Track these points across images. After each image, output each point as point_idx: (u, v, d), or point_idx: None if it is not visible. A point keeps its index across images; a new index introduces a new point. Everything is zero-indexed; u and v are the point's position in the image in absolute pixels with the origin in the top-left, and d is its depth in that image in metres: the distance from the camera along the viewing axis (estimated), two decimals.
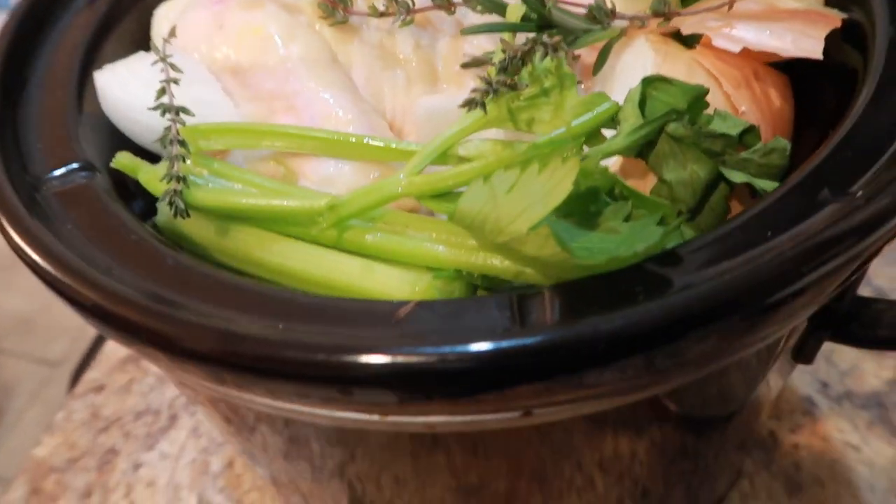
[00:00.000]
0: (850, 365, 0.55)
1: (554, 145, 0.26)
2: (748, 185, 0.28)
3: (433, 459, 0.32)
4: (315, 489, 0.39)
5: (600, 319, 0.19)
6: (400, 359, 0.20)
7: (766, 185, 0.26)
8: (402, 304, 0.22)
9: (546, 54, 0.27)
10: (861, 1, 0.31)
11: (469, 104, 0.26)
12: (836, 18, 0.29)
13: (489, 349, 0.19)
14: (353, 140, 0.29)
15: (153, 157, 0.31)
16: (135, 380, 0.61)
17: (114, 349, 0.63)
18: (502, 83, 0.25)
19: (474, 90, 0.26)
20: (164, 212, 0.30)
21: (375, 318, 0.22)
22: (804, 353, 0.31)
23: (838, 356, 0.55)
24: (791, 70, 0.34)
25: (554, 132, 0.26)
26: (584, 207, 0.25)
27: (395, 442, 0.30)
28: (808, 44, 0.28)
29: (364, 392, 0.20)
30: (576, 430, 0.30)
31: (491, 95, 0.26)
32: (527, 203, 0.23)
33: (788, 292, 0.19)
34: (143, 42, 0.37)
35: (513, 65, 0.27)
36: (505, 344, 0.19)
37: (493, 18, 0.33)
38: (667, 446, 0.34)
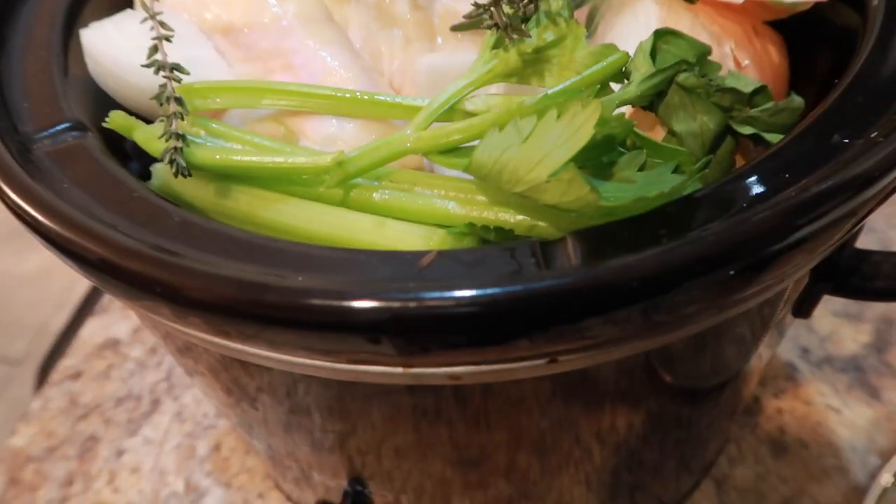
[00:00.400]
0: (828, 331, 0.56)
1: (566, 95, 0.26)
2: (752, 141, 0.28)
3: (434, 430, 0.31)
4: (315, 461, 0.38)
5: (630, 258, 0.19)
6: (428, 304, 0.19)
7: (775, 138, 0.26)
8: (423, 253, 0.22)
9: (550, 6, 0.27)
10: None
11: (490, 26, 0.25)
12: None
13: (520, 290, 0.19)
14: (358, 97, 0.29)
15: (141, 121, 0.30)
16: (113, 366, 0.59)
17: (90, 335, 0.61)
18: (513, 26, 0.25)
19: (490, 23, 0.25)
20: (158, 175, 0.29)
21: (398, 267, 0.21)
22: (804, 307, 0.32)
23: (817, 323, 0.57)
24: (782, 31, 0.34)
25: (565, 83, 0.26)
26: (597, 157, 0.25)
27: (398, 411, 0.30)
28: None
29: (391, 340, 0.20)
30: (576, 399, 0.30)
31: (501, 32, 0.25)
32: (546, 149, 0.22)
33: (817, 227, 0.19)
34: (125, 3, 0.36)
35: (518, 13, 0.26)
36: (536, 285, 0.19)
37: None
38: (663, 416, 0.35)
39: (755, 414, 0.52)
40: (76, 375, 0.59)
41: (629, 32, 0.29)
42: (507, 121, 0.25)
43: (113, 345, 0.61)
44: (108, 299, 0.64)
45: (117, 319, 0.63)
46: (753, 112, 0.27)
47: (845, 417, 0.52)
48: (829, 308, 0.57)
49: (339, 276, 0.21)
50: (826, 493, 0.47)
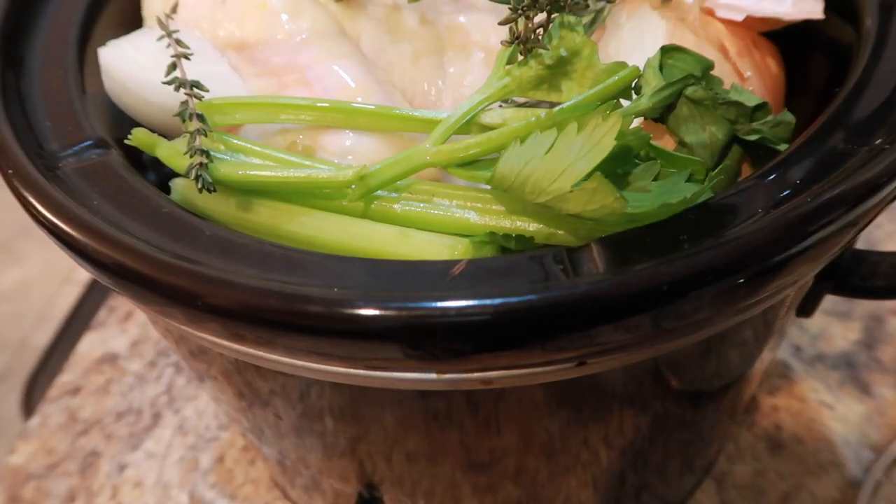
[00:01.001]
0: (819, 329, 0.58)
1: (581, 109, 0.26)
2: (752, 154, 0.29)
3: (446, 434, 0.32)
4: (326, 466, 0.38)
5: (659, 262, 0.20)
6: (465, 311, 0.20)
7: (781, 146, 0.27)
8: (453, 262, 0.22)
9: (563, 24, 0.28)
10: None
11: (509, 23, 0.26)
12: None
13: (555, 296, 0.20)
14: (375, 110, 0.29)
15: None
16: (112, 380, 0.59)
17: (88, 350, 0.61)
18: (532, 39, 0.26)
19: (506, 39, 0.26)
20: (178, 189, 0.30)
21: (430, 276, 0.22)
22: (806, 307, 0.33)
23: (809, 321, 0.58)
24: (778, 43, 0.36)
25: (579, 96, 0.27)
26: (614, 168, 0.26)
27: (411, 415, 0.31)
28: (808, 4, 0.29)
29: (430, 348, 0.20)
30: (586, 401, 0.31)
31: (517, 46, 0.26)
32: (569, 161, 0.23)
33: (828, 232, 0.20)
34: (135, 19, 0.36)
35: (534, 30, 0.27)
36: (569, 291, 0.20)
37: None
38: (670, 418, 0.36)
39: (752, 412, 0.53)
40: (75, 391, 0.59)
41: (637, 47, 0.30)
42: (527, 134, 0.25)
43: (111, 359, 0.61)
44: (104, 313, 0.64)
45: (115, 334, 0.63)
46: (756, 125, 0.28)
47: (838, 413, 0.53)
48: (819, 307, 0.59)
49: (374, 286, 0.22)
50: (823, 488, 0.48)
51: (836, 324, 0.58)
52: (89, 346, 0.62)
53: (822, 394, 0.54)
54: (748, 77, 0.29)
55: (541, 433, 0.33)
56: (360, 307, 0.20)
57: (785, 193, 0.23)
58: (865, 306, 0.58)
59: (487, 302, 0.19)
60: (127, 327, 0.62)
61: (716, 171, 0.24)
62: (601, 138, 0.23)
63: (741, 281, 0.20)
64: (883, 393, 0.54)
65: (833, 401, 0.54)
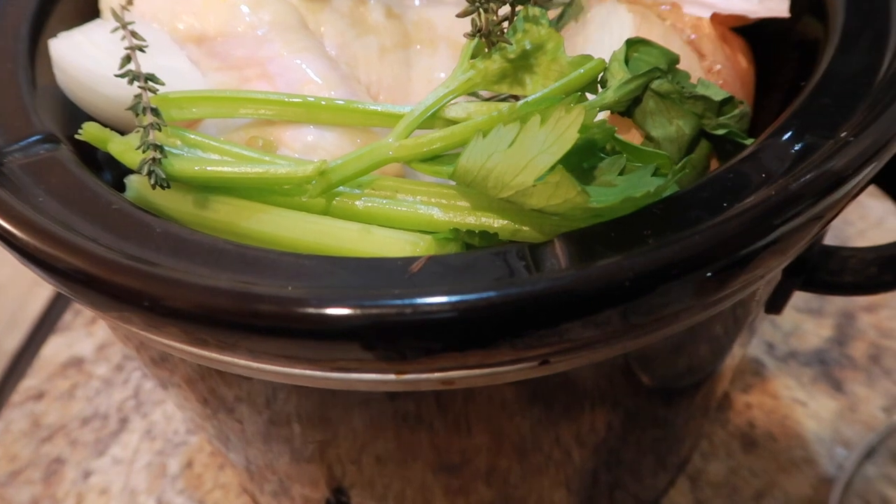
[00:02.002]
0: (792, 326, 0.58)
1: (547, 102, 0.26)
2: (719, 148, 0.29)
3: (416, 435, 0.31)
4: (294, 472, 0.37)
5: (621, 258, 0.20)
6: (423, 310, 0.19)
7: (748, 140, 0.27)
8: (413, 259, 0.22)
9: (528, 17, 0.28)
10: None
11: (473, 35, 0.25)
12: None
13: (515, 293, 0.19)
14: (338, 104, 0.29)
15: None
16: (78, 384, 0.58)
17: (53, 354, 0.60)
18: (495, 33, 0.25)
19: (469, 32, 0.25)
20: (133, 186, 0.29)
21: (388, 273, 0.21)
22: (776, 303, 0.33)
23: (781, 318, 0.58)
24: (747, 38, 0.35)
25: (545, 90, 0.26)
26: (579, 162, 0.25)
27: (379, 418, 0.30)
28: (774, 3, 0.29)
29: (385, 347, 0.20)
30: (555, 399, 0.30)
31: (481, 39, 0.26)
32: (531, 155, 0.23)
33: (797, 223, 0.20)
34: (92, 12, 0.35)
35: (497, 24, 0.27)
36: (530, 288, 0.19)
37: None
38: (641, 415, 0.35)
39: (725, 409, 0.53)
40: (38, 396, 0.57)
41: (604, 40, 0.30)
42: (490, 128, 0.25)
43: (77, 363, 0.59)
44: (70, 316, 0.63)
45: (81, 337, 0.61)
46: (723, 119, 0.28)
47: (811, 410, 0.53)
48: (791, 304, 0.59)
49: (330, 284, 0.21)
50: (796, 485, 0.48)
51: (809, 321, 0.58)
52: (54, 349, 0.60)
53: (795, 391, 0.54)
54: (718, 70, 0.29)
55: (511, 432, 0.32)
56: (313, 305, 0.19)
57: (751, 186, 0.22)
58: (837, 303, 0.58)
59: (445, 300, 0.19)
60: (93, 330, 0.61)
61: (680, 165, 0.23)
62: (564, 131, 0.22)
63: (708, 275, 0.20)
64: (855, 389, 0.54)
65: (806, 398, 0.54)
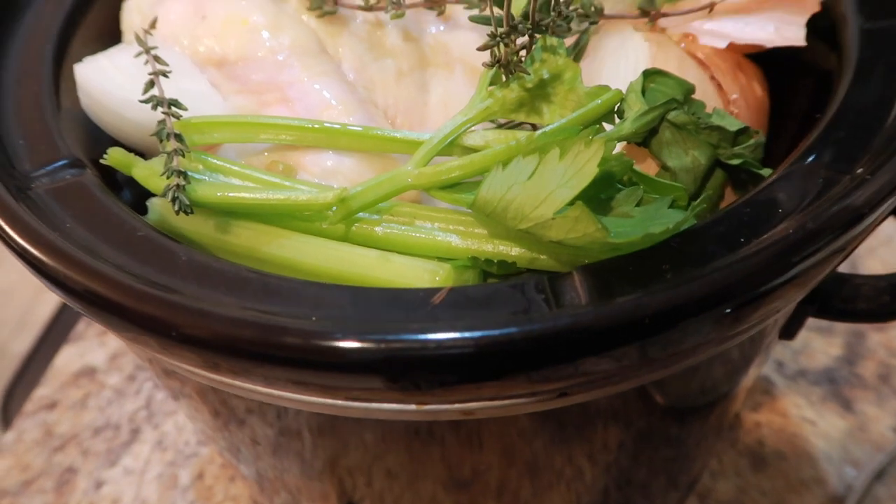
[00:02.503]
0: (801, 344, 0.58)
1: (564, 132, 0.26)
2: (734, 178, 0.29)
3: (427, 450, 0.32)
4: (304, 485, 0.38)
5: (640, 294, 0.20)
6: (446, 344, 0.20)
7: (764, 171, 0.27)
8: (434, 290, 0.22)
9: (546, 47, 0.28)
10: None
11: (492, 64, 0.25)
12: (814, 4, 0.30)
13: (536, 329, 0.19)
14: (357, 131, 0.29)
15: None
16: (90, 394, 0.58)
17: (65, 363, 0.60)
18: (514, 62, 0.25)
19: (488, 62, 0.26)
20: (155, 210, 0.29)
21: (410, 305, 0.21)
22: (789, 330, 0.33)
23: None
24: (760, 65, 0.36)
25: (562, 120, 0.27)
26: (595, 194, 0.26)
27: (391, 435, 0.30)
28: (790, 31, 0.29)
29: (408, 380, 0.20)
30: (569, 421, 0.30)
31: (499, 69, 0.26)
32: (551, 188, 0.23)
33: (815, 260, 0.20)
34: (113, 33, 0.36)
35: (516, 51, 0.27)
36: (552, 324, 0.20)
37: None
38: (654, 436, 0.35)
39: (735, 428, 0.53)
40: (51, 405, 0.58)
41: (620, 70, 0.30)
42: (509, 158, 0.25)
43: (89, 373, 0.60)
44: (83, 326, 0.63)
45: (93, 346, 0.61)
46: (737, 150, 0.28)
47: (820, 429, 0.53)
48: None
49: (353, 315, 0.21)
50: None
51: (818, 339, 0.58)
52: (67, 359, 0.61)
53: (805, 410, 0.54)
54: (734, 99, 0.29)
55: (523, 451, 0.32)
56: (339, 339, 0.19)
57: (769, 221, 0.23)
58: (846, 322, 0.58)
59: (468, 335, 0.19)
60: (106, 340, 0.61)
61: (699, 200, 0.24)
62: (584, 164, 0.23)
63: (727, 311, 0.20)
64: (864, 409, 0.54)
65: (815, 417, 0.54)
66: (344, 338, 0.19)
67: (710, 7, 0.31)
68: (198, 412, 0.34)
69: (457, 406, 0.22)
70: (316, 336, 0.20)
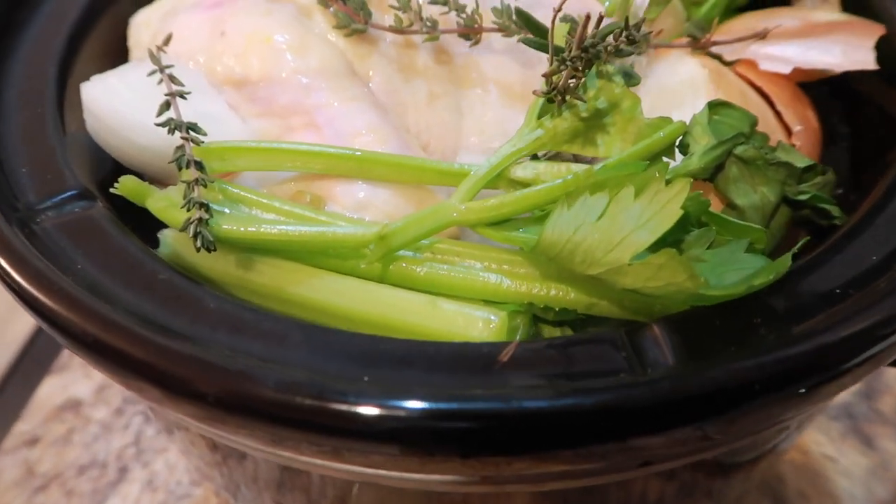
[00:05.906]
0: None
1: (626, 167, 0.24)
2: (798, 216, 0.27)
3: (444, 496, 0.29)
4: None
5: (739, 355, 0.18)
6: (524, 414, 0.17)
7: (834, 209, 0.26)
8: (499, 345, 0.20)
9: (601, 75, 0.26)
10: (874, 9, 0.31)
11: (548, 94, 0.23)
12: (878, 27, 0.29)
13: (631, 396, 0.17)
14: (393, 160, 0.26)
15: None
16: (75, 429, 0.54)
17: (48, 395, 0.56)
18: (569, 90, 0.23)
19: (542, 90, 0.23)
20: (168, 243, 0.26)
21: (474, 363, 0.19)
22: None
23: None
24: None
25: (622, 153, 0.25)
26: (664, 237, 0.23)
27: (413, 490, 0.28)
28: (859, 55, 0.27)
29: (479, 456, 0.17)
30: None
31: (552, 95, 0.24)
32: (626, 230, 0.21)
33: None
34: (119, 51, 0.33)
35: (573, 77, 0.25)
36: (644, 394, 0.17)
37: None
38: (696, 490, 0.33)
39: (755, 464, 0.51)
40: (32, 441, 0.54)
41: (677, 98, 0.28)
42: (565, 193, 0.23)
43: (74, 406, 0.56)
44: (67, 355, 0.59)
45: (78, 378, 0.58)
46: (803, 187, 0.27)
47: (841, 466, 0.51)
48: None
49: (409, 376, 0.19)
50: None
51: None
52: (50, 391, 0.57)
53: (825, 446, 0.53)
54: (797, 132, 0.28)
55: (556, 498, 0.30)
56: (402, 409, 0.17)
57: (861, 270, 0.21)
58: None
59: (549, 403, 0.17)
60: (91, 371, 0.58)
61: (797, 245, 0.21)
62: (665, 205, 0.20)
63: (845, 372, 0.18)
64: (886, 446, 0.52)
65: (836, 454, 0.52)
66: (414, 415, 0.17)
67: (764, 34, 0.29)
68: (194, 446, 0.31)
69: (528, 487, 0.19)
70: (369, 404, 0.17)
